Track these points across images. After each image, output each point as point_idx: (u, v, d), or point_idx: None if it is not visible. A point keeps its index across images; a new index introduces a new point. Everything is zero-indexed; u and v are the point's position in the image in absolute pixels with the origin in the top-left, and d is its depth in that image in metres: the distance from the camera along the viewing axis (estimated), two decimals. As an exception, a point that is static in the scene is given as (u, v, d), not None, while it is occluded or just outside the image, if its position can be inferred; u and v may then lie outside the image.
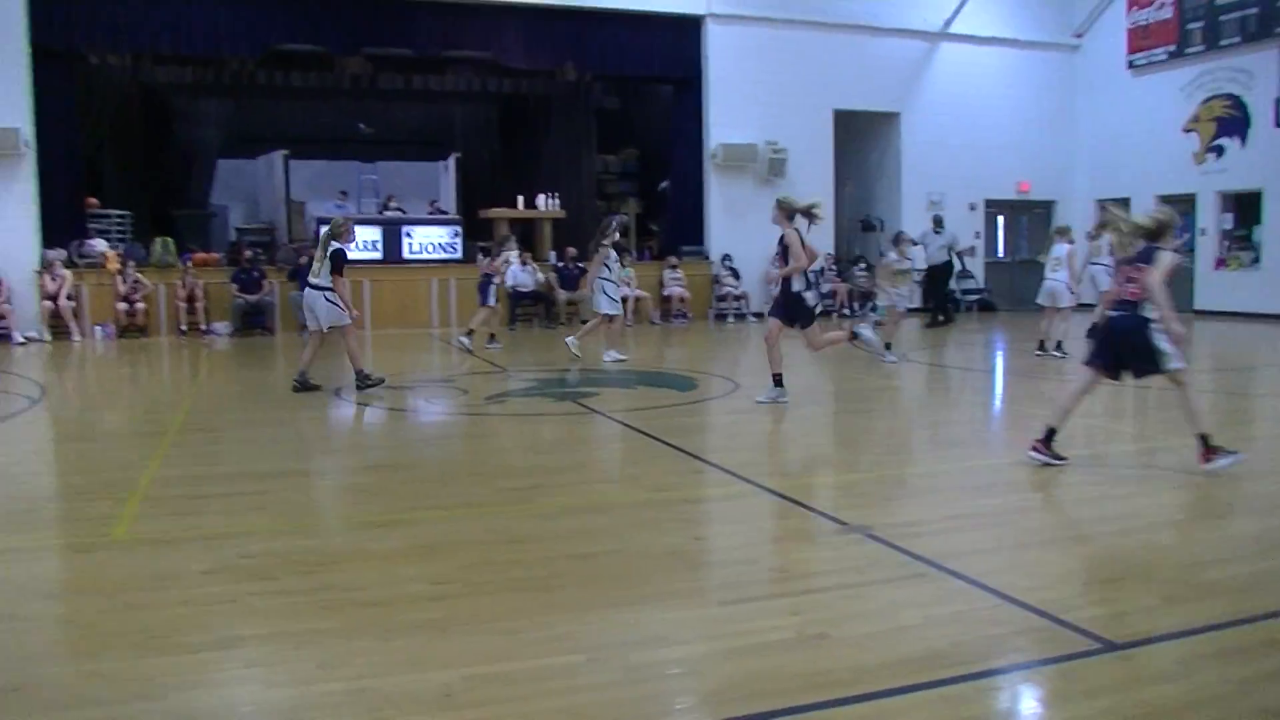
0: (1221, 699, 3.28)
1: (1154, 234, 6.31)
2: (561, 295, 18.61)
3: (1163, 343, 6.16)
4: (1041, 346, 12.82)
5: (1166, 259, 6.18)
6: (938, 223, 19.29)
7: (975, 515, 5.61)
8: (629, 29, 19.72)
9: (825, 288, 20.62)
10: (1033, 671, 3.55)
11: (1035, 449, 6.55)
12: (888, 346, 12.06)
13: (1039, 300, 12.92)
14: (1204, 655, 3.63)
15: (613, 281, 12.99)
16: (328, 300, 10.07)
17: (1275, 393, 10.88)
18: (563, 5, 18.95)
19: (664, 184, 22.22)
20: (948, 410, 10.02)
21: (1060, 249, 12.91)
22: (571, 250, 18.76)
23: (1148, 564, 4.83)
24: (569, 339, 12.81)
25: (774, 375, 9.35)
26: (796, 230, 9.10)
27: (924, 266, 18.09)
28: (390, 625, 3.91)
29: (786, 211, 9.11)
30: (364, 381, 10.24)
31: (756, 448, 7.82)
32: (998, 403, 10.71)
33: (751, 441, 8.12)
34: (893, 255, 13.59)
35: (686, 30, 20.10)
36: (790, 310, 9.15)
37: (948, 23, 21.62)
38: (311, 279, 10.30)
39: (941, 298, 19.09)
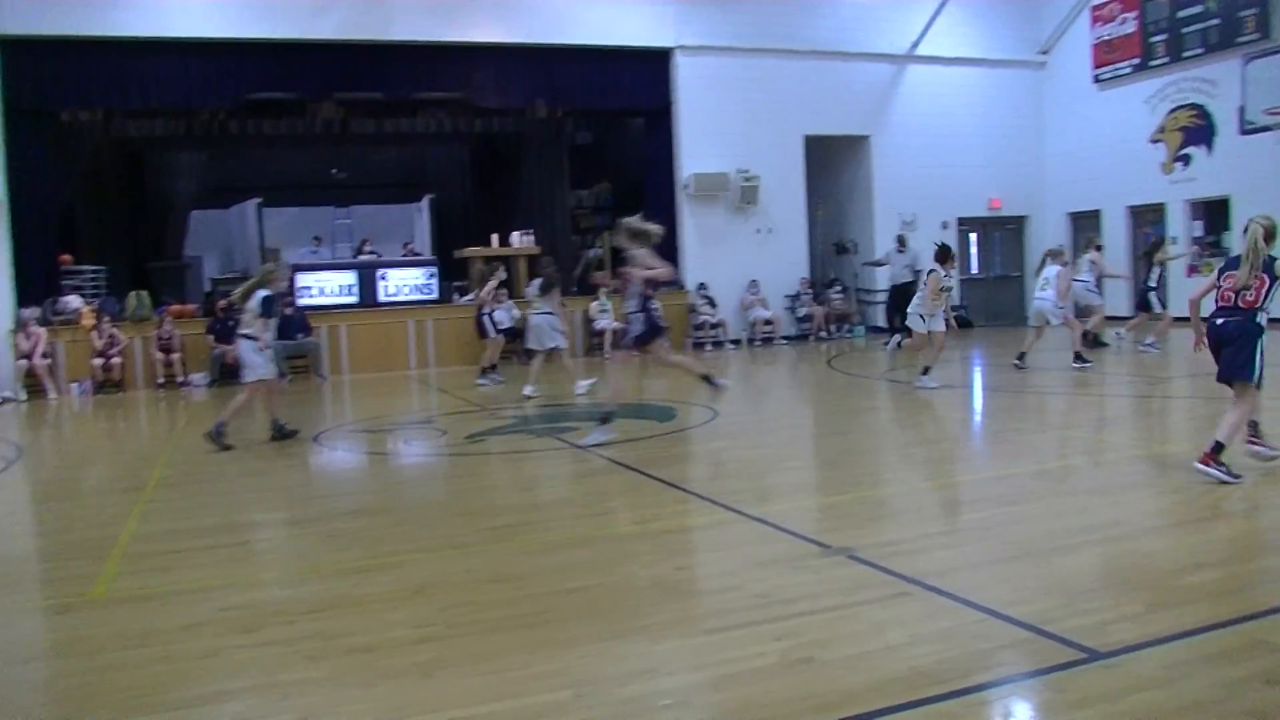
0: (1208, 703, 3.29)
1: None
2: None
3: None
4: (1022, 358, 12.98)
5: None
6: (901, 242, 19.29)
7: (957, 531, 5.63)
8: (599, 64, 19.85)
9: (802, 311, 20.72)
10: (1020, 685, 3.55)
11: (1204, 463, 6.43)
12: (926, 371, 11.87)
13: (1030, 321, 13.21)
14: (1189, 660, 3.64)
15: (556, 315, 13.61)
16: (252, 351, 9.75)
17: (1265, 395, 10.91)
18: (533, 44, 19.06)
19: (638, 216, 22.29)
20: (927, 428, 10.04)
21: (1051, 270, 13.11)
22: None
23: (1130, 571, 4.85)
24: (577, 384, 12.98)
25: (703, 377, 9.56)
26: (646, 249, 9.15)
27: (887, 286, 18.33)
28: (376, 671, 3.89)
29: (629, 234, 9.12)
30: (277, 432, 10.07)
31: (737, 475, 7.81)
32: (977, 419, 10.74)
33: (732, 469, 8.11)
34: (940, 271, 12.27)
35: (656, 63, 20.24)
36: (652, 328, 9.16)
37: (914, 45, 21.83)
38: (242, 329, 9.99)
39: (904, 319, 19.06)
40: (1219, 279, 6.66)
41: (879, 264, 19.95)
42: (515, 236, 19.62)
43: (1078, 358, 12.96)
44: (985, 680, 3.55)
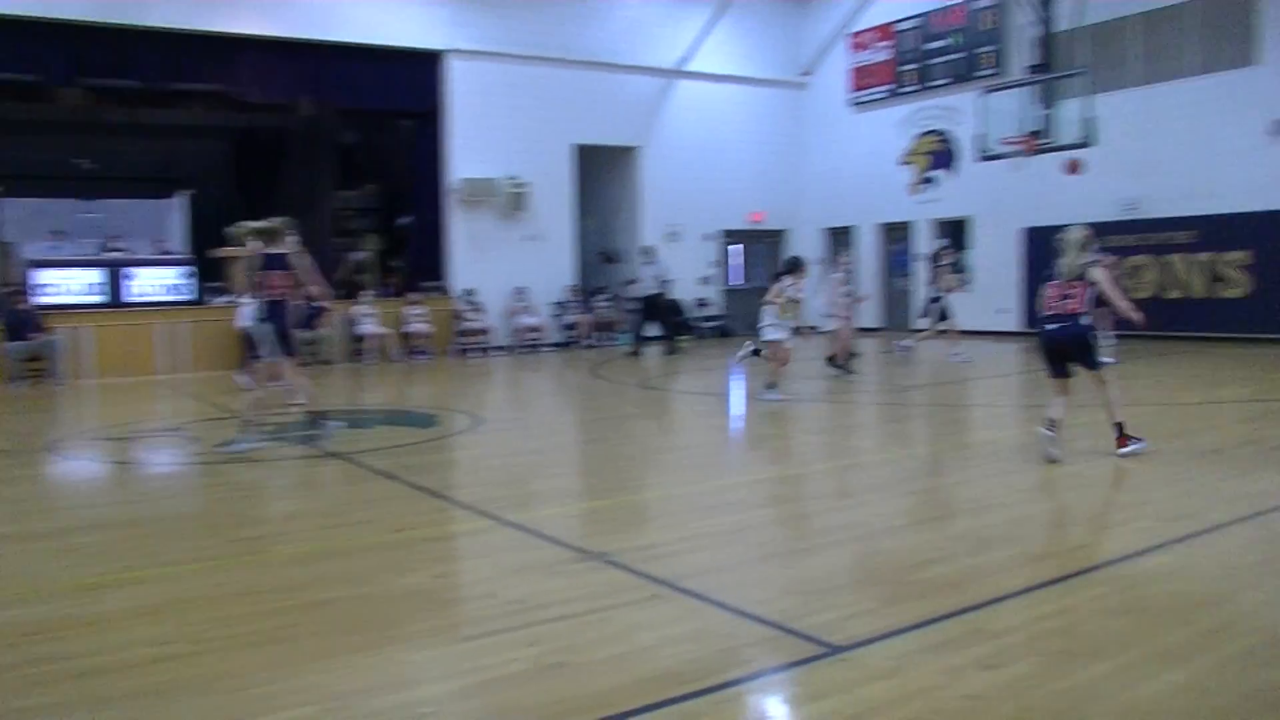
0: (932, 689, 3.52)
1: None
2: (300, 335, 18.00)
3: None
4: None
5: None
6: (648, 253, 19.38)
7: (710, 534, 5.80)
8: (368, 63, 19.41)
9: (568, 319, 20.87)
10: (764, 680, 3.69)
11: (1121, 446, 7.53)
12: (771, 385, 11.45)
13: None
14: (916, 650, 3.88)
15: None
16: None
17: (989, 403, 11.74)
18: (298, 38, 18.44)
19: (405, 219, 21.94)
20: (686, 434, 10.31)
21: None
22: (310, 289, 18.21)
23: (868, 569, 5.14)
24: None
25: (311, 413, 9.57)
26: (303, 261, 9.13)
27: (641, 297, 18.67)
28: (105, 696, 3.68)
29: (257, 233, 9.09)
30: None
31: (498, 482, 7.81)
32: (734, 424, 11.10)
33: (493, 476, 8.10)
34: (787, 281, 11.92)
35: (427, 65, 19.97)
36: (290, 336, 9.15)
37: (683, 60, 22.39)
38: None
39: (667, 325, 19.30)
40: (1045, 290, 7.65)
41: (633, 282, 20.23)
42: (276, 237, 18.92)
43: (832, 362, 13.66)
44: (731, 678, 3.67)
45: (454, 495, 7.10)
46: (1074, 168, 16.53)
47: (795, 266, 11.84)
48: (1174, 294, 17.96)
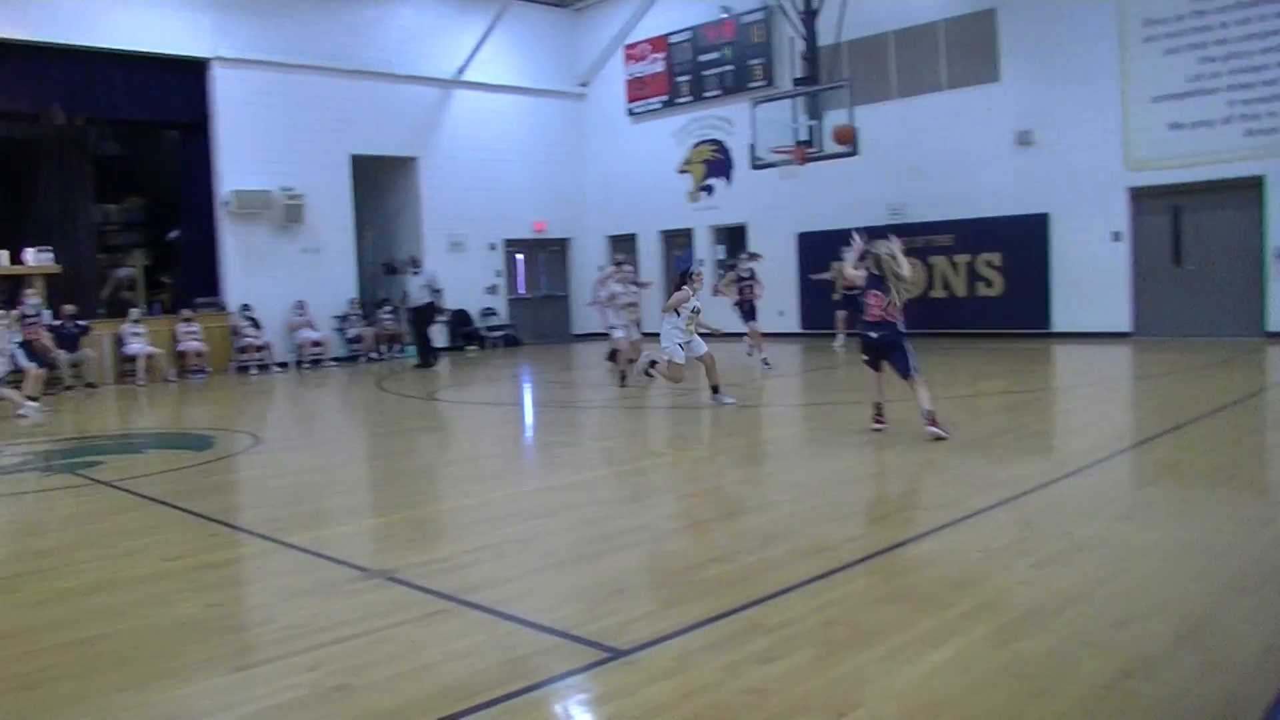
0: (712, 685, 3.60)
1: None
2: (63, 356, 16.92)
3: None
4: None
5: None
6: (414, 263, 19.20)
7: (496, 545, 5.77)
8: (126, 70, 18.46)
9: (351, 332, 20.41)
10: (547, 689, 3.69)
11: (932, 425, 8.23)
12: (716, 390, 11.27)
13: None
14: (697, 649, 3.96)
15: None
16: None
17: (772, 403, 12.12)
18: (46, 42, 17.35)
19: (174, 233, 20.96)
20: (473, 445, 10.23)
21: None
22: (69, 308, 17.16)
23: (653, 571, 5.22)
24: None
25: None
26: None
27: (411, 308, 18.46)
28: None
29: None
30: None
31: (278, 503, 7.55)
32: (523, 434, 11.09)
33: (273, 497, 7.83)
34: (686, 290, 11.56)
35: (191, 73, 19.14)
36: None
37: (461, 70, 22.24)
38: None
39: (424, 340, 18.82)
40: (865, 298, 8.58)
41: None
42: (30, 254, 17.74)
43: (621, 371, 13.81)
44: (515, 689, 3.65)
45: (231, 519, 6.81)
46: (843, 137, 17.18)
47: (685, 278, 11.47)
48: (939, 293, 19.00)
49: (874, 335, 8.57)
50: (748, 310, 15.87)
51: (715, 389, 11.30)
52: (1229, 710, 3.19)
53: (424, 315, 18.70)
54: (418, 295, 18.64)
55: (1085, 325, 17.33)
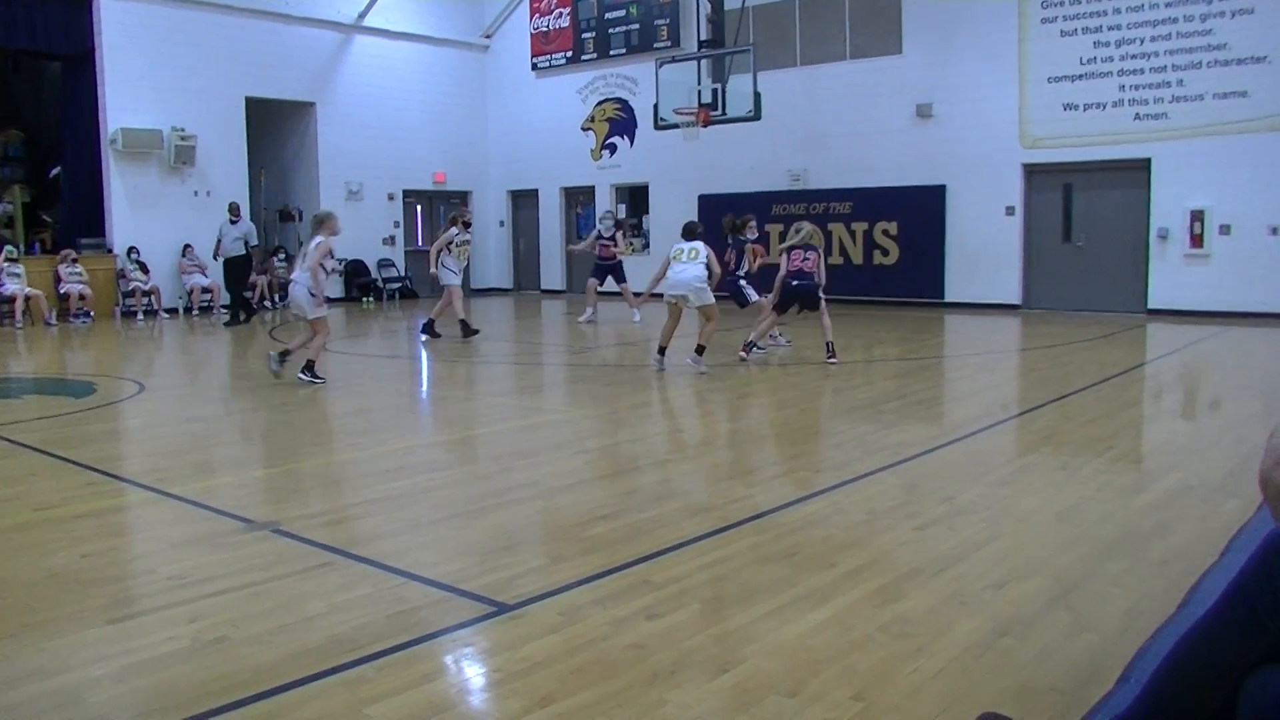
0: (598, 640, 3.61)
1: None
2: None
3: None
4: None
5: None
6: (233, 211, 17.55)
7: (384, 499, 5.71)
8: (1, -2, 17.60)
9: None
10: (432, 643, 3.67)
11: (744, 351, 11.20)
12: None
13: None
14: (583, 604, 3.98)
15: None
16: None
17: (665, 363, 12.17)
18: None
19: (55, 169, 20.15)
20: (364, 399, 10.09)
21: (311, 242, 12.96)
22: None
23: (540, 528, 5.23)
24: None
25: None
26: None
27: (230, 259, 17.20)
28: None
29: None
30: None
31: (161, 452, 7.35)
32: (415, 388, 10.97)
33: (157, 446, 7.63)
34: (454, 231, 13.97)
35: (73, 4, 18.31)
36: None
37: (361, 15, 21.71)
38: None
39: (240, 294, 17.64)
40: (789, 256, 11.10)
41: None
42: (-100, 188, 16.94)
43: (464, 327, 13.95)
44: (399, 642, 3.62)
45: (111, 468, 6.61)
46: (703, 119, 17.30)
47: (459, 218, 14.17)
48: (836, 260, 19.23)
49: (807, 284, 10.97)
50: (612, 270, 16.45)
51: (431, 323, 13.85)
52: (1095, 667, 3.31)
53: (238, 267, 17.46)
54: (231, 246, 17.21)
55: (977, 296, 17.74)
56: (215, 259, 18.04)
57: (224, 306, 18.44)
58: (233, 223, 17.37)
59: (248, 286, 18.33)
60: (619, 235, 17.40)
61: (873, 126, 18.69)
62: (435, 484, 6.10)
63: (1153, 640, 3.25)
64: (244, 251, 17.29)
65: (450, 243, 13.89)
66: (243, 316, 17.29)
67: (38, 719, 3.12)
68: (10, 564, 4.62)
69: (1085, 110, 16.57)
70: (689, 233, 11.12)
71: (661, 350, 10.98)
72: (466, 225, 14.25)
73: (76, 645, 3.70)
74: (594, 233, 17.43)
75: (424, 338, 13.98)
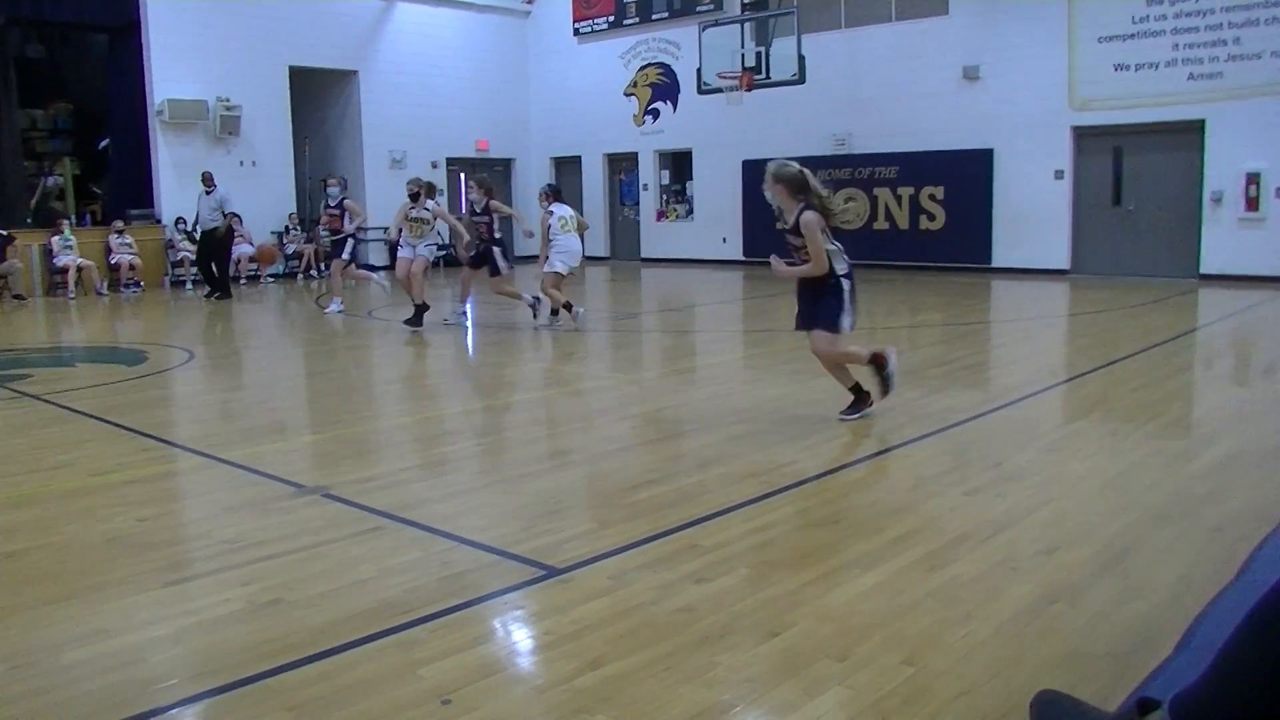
0: (646, 604, 3.63)
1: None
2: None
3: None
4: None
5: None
6: (206, 181, 16.52)
7: (433, 464, 5.76)
8: (51, -30, 17.76)
9: (290, 248, 20.08)
10: (482, 606, 3.70)
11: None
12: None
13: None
14: (632, 569, 3.99)
15: None
16: None
17: (710, 328, 12.17)
18: (-36, -63, 16.64)
19: (104, 141, 20.36)
20: (410, 364, 10.15)
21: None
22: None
23: (587, 493, 5.25)
24: None
25: None
26: None
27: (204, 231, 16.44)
28: None
29: None
30: None
31: (211, 418, 7.46)
32: (463, 354, 11.03)
33: (206, 412, 7.74)
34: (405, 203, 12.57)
35: (119, -26, 18.44)
36: None
37: (403, -18, 21.71)
38: None
39: (220, 268, 16.75)
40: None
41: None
42: (-49, 159, 17.18)
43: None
44: (450, 605, 3.66)
45: (163, 434, 6.71)
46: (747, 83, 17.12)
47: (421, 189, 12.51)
48: (881, 226, 19.08)
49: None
50: (340, 245, 14.09)
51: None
52: (1148, 634, 3.28)
53: (215, 240, 16.57)
54: (209, 218, 16.34)
55: (1024, 261, 17.52)
56: (193, 230, 17.39)
57: (194, 280, 17.98)
58: (207, 193, 16.44)
59: (226, 260, 17.14)
60: (349, 202, 14.45)
61: (919, 89, 18.44)
62: (482, 449, 6.14)
63: (1212, 606, 3.22)
64: (219, 222, 16.39)
65: (405, 216, 12.48)
66: (216, 294, 16.39)
67: (101, 677, 3.19)
68: (69, 528, 4.70)
69: (1137, 70, 16.24)
70: (559, 196, 11.46)
71: (569, 305, 11.36)
72: (413, 197, 12.41)
73: (135, 607, 3.77)
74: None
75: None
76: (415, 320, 11.85)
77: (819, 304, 6.40)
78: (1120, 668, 3.05)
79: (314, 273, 20.20)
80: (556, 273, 11.43)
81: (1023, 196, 17.49)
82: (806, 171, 6.46)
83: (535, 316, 11.83)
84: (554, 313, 11.78)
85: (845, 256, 6.42)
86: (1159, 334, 10.44)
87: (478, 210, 12.57)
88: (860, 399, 6.61)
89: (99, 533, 4.62)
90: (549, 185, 12.20)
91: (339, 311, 13.83)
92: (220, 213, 16.40)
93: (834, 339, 6.39)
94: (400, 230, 12.65)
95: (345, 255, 14.05)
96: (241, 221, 18.61)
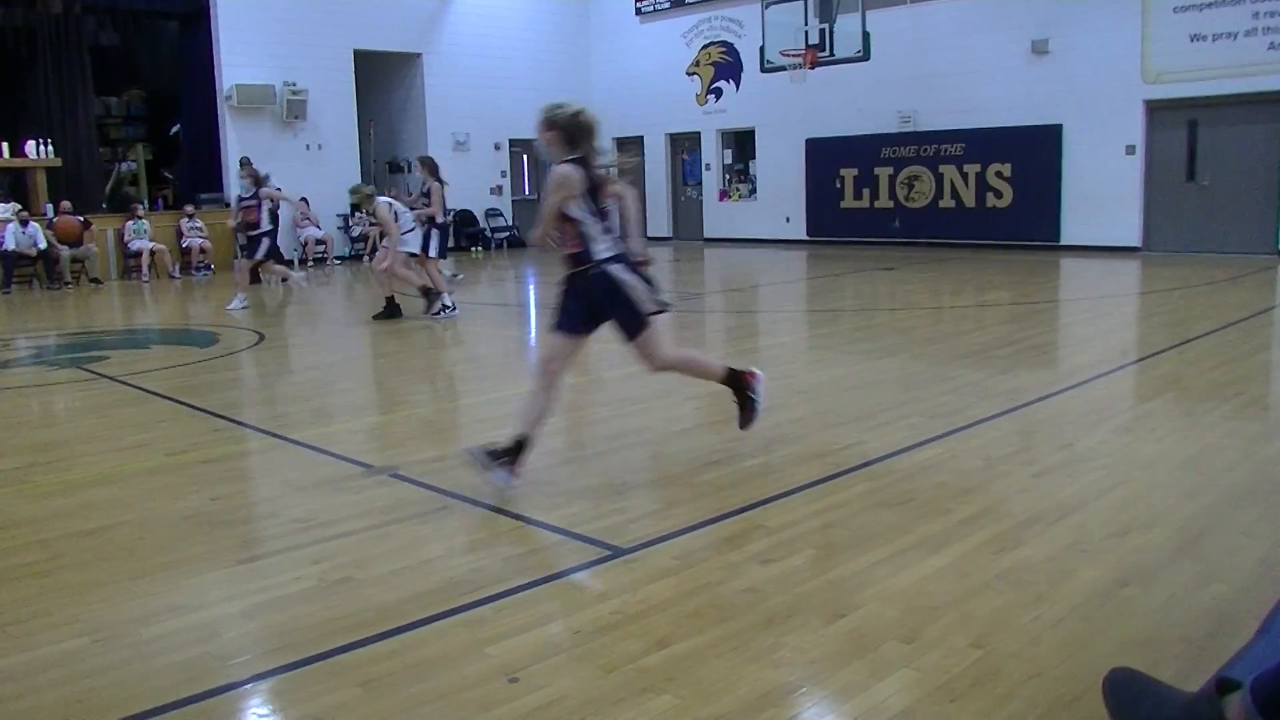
0: (713, 584, 3.63)
1: None
2: (64, 251, 16.85)
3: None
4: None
5: None
6: (244, 164, 15.03)
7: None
8: (122, -42, 18.07)
9: (356, 230, 20.31)
10: (549, 586, 3.73)
11: None
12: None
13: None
14: (698, 549, 4.00)
15: None
16: None
17: (773, 308, 12.11)
18: (38, -73, 16.96)
19: (175, 127, 20.73)
20: (475, 346, 10.23)
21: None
22: (66, 204, 17.02)
23: (652, 473, 5.26)
24: None
25: None
26: None
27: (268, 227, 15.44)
28: None
29: None
30: None
31: (280, 400, 7.59)
32: (526, 335, 11.08)
33: (276, 393, 7.87)
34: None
35: (188, -38, 18.72)
36: None
37: (464, -35, 21.78)
38: None
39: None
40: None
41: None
42: (30, 146, 17.59)
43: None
44: (517, 584, 3.69)
45: (235, 415, 6.84)
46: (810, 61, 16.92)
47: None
48: (947, 204, 18.83)
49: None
50: (255, 241, 12.88)
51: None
52: (1225, 618, 3.22)
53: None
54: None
55: (1094, 239, 17.19)
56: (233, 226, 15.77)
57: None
58: (245, 177, 14.66)
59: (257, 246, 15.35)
60: (270, 190, 13.02)
61: (985, 64, 18.13)
62: (547, 429, 6.14)
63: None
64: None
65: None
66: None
67: (179, 650, 3.27)
68: (146, 506, 4.82)
69: (1214, 41, 15.81)
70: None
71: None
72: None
73: (210, 584, 3.86)
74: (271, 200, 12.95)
75: (440, 314, 11.62)
76: (388, 314, 11.52)
77: (612, 307, 4.89)
78: (1196, 653, 3.00)
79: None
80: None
81: (1093, 172, 17.15)
82: (590, 115, 4.79)
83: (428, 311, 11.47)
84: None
85: (611, 234, 4.84)
86: (1235, 312, 10.20)
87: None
88: (743, 404, 5.30)
89: (175, 511, 4.73)
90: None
91: (242, 307, 12.73)
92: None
93: (650, 339, 4.95)
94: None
95: (260, 254, 12.96)
96: (309, 204, 18.85)
